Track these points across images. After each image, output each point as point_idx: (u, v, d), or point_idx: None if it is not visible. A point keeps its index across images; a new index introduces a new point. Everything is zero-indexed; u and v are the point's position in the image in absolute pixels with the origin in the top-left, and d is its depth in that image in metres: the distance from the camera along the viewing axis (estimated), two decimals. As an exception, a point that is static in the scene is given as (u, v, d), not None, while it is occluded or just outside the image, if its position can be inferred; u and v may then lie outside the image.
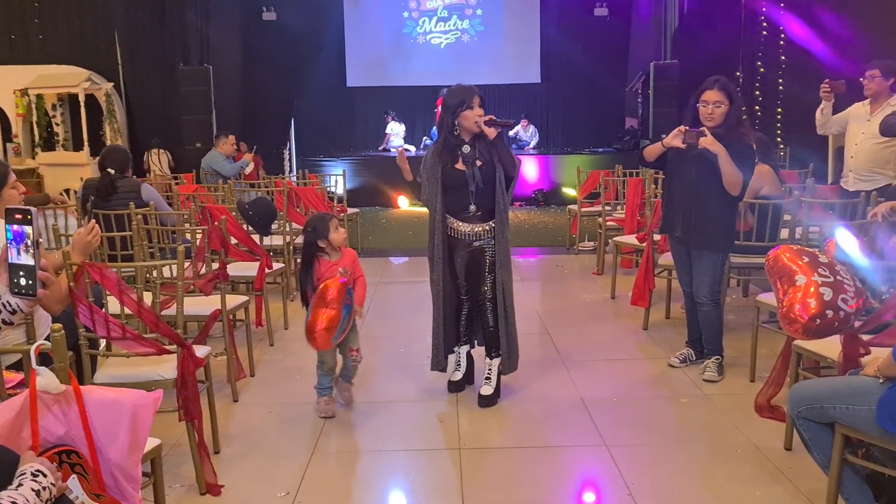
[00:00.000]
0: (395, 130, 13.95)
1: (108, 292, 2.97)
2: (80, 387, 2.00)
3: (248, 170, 8.55)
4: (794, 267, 2.74)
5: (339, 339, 3.62)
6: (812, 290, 2.64)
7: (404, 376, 4.44)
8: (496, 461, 3.35)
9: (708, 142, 3.88)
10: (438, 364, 4.10)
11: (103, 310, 3.08)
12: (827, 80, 5.47)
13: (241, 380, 4.27)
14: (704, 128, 3.96)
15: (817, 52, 9.36)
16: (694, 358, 4.47)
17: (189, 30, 11.49)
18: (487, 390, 3.98)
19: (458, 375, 4.17)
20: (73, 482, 1.94)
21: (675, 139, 4.02)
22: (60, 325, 2.15)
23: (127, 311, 2.98)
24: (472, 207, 3.84)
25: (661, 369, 4.47)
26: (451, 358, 4.16)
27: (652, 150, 4.25)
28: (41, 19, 11.35)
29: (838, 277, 2.68)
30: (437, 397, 4.10)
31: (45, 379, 1.95)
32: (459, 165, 3.82)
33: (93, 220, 3.14)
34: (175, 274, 3.26)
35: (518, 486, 3.13)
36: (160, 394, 2.10)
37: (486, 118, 3.73)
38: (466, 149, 3.81)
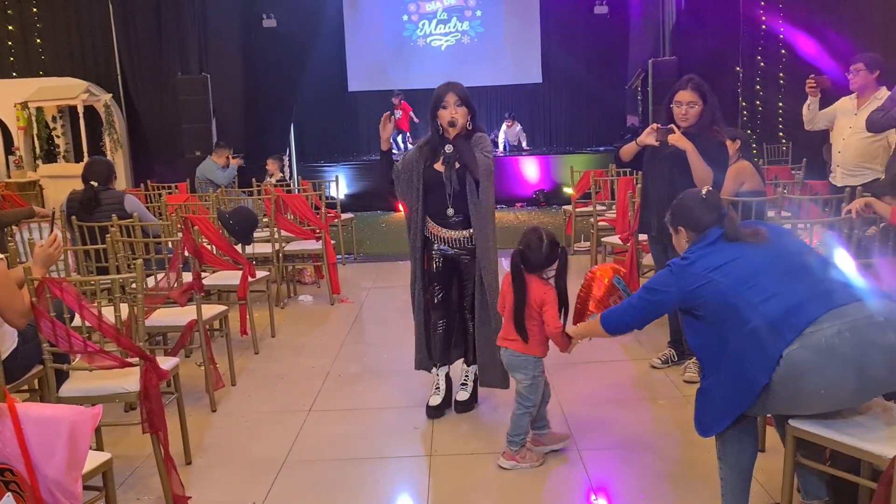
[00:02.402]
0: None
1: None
2: (17, 404, 2.01)
3: (273, 180, 8.55)
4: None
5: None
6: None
7: (386, 383, 4.43)
8: (466, 467, 3.33)
9: (675, 138, 3.85)
10: (422, 363, 4.03)
11: (72, 321, 3.10)
12: (812, 76, 5.42)
13: (221, 389, 4.27)
14: (672, 125, 3.93)
15: (817, 47, 9.26)
16: (676, 358, 4.43)
17: (188, 39, 11.54)
18: (463, 396, 3.94)
19: (437, 400, 3.95)
20: (9, 500, 1.95)
21: (648, 137, 4.00)
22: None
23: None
24: (450, 211, 3.76)
25: (643, 371, 4.44)
26: (438, 371, 4.01)
27: (627, 150, 4.22)
28: (41, 32, 11.44)
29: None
30: (415, 404, 4.06)
31: (-21, 397, 1.96)
32: (438, 166, 3.77)
33: (55, 232, 3.16)
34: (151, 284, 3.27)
35: (485, 492, 3.12)
36: (100, 409, 2.10)
37: (449, 118, 3.70)
38: (449, 148, 3.74)
